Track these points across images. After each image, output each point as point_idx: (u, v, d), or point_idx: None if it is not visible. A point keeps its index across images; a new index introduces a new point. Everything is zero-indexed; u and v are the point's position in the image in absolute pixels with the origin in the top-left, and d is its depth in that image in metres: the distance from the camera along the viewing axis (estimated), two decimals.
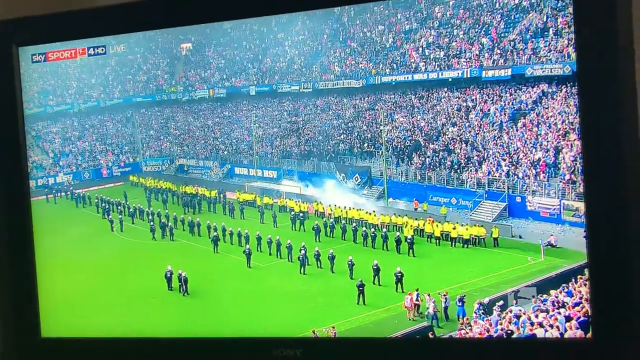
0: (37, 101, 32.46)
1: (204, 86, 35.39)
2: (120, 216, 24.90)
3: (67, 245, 20.16)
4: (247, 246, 19.74)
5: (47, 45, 13.53)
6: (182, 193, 28.04)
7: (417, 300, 14.65)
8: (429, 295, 14.52)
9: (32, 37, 8.77)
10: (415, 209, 23.00)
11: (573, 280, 13.45)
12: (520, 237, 19.65)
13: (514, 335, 11.09)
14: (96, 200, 27.37)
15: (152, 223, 23.57)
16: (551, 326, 10.63)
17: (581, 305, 10.98)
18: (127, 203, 26.92)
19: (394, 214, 21.98)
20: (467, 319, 13.36)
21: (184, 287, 17.06)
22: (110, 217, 24.89)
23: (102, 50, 20.05)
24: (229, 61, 35.60)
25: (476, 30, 27.00)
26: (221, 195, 26.98)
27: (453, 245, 19.48)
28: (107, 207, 26.57)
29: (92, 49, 19.14)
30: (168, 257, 20.07)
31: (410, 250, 19.02)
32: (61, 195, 28.95)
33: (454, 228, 19.79)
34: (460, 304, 14.13)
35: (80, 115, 34.99)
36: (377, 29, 31.12)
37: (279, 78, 33.02)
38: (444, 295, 14.51)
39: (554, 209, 19.98)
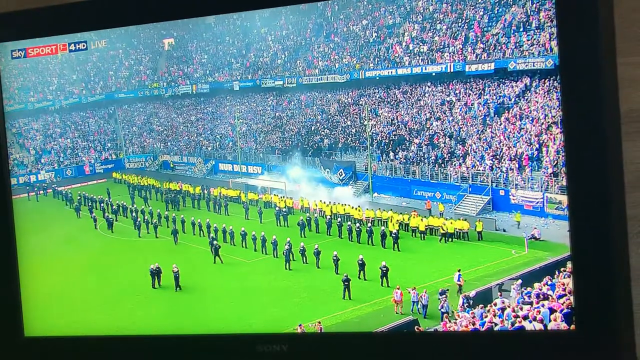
0: (18, 98, 32.04)
1: (187, 82, 35.15)
2: (107, 214, 24.66)
3: (50, 243, 19.94)
4: (215, 242, 19.67)
5: (26, 41, 13.34)
6: (166, 189, 27.87)
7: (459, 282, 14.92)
8: (414, 289, 14.67)
9: (12, 32, 8.65)
10: (429, 210, 22.41)
11: (557, 272, 13.57)
12: (504, 230, 19.78)
13: (498, 328, 11.16)
14: (78, 198, 27.09)
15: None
16: (535, 318, 10.71)
17: (565, 297, 11.08)
18: (110, 200, 26.69)
19: (379, 208, 22.01)
20: (453, 312, 13.46)
21: (176, 282, 17.14)
22: (93, 214, 24.68)
23: (83, 46, 19.83)
24: (212, 56, 35.39)
25: (459, 24, 27.09)
26: (205, 192, 26.87)
27: (442, 241, 19.50)
28: (90, 204, 26.35)
29: (72, 45, 18.92)
30: (153, 254, 19.98)
31: (395, 245, 19.07)
32: (42, 192, 28.63)
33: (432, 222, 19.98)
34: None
35: (62, 111, 34.58)
36: (361, 24, 31.10)
37: (263, 73, 32.89)
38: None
39: (538, 202, 20.14)
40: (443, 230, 19.50)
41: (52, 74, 34.65)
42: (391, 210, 21.47)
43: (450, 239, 19.38)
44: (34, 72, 33.62)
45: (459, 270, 15.38)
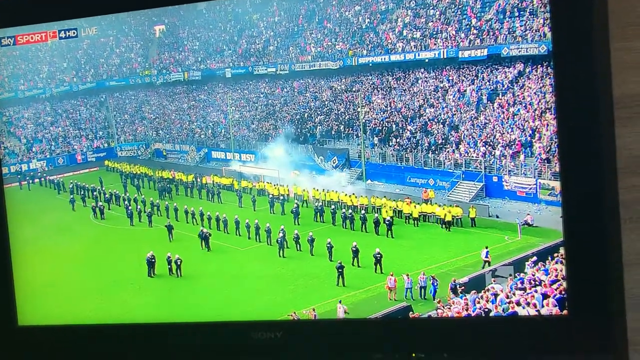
0: (8, 86, 31.73)
1: (179, 69, 34.91)
2: (100, 203, 24.57)
3: (42, 232, 19.84)
4: (205, 231, 19.64)
5: (16, 28, 13.19)
6: (158, 178, 27.78)
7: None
8: (407, 275, 14.72)
9: (0, 20, 8.54)
10: (426, 200, 21.96)
11: (549, 258, 13.62)
12: (497, 216, 19.84)
13: (492, 314, 11.22)
14: (70, 187, 26.95)
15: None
16: (528, 304, 10.77)
17: (558, 282, 11.13)
18: (103, 189, 26.59)
19: (373, 195, 22.02)
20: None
21: (179, 270, 17.18)
22: (91, 204, 24.60)
23: (74, 33, 19.67)
24: (204, 43, 35.13)
25: (452, 10, 26.97)
26: (198, 180, 26.81)
27: (447, 229, 19.54)
28: (82, 193, 26.24)
29: (63, 32, 18.76)
30: (147, 243, 19.94)
31: (389, 232, 19.11)
32: (35, 181, 28.49)
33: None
34: (433, 283, 14.35)
35: (53, 100, 34.35)
36: (354, 9, 30.93)
37: (255, 60, 32.70)
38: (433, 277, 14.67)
39: (530, 188, 20.19)
40: (448, 218, 19.50)
41: (43, 62, 34.35)
42: (385, 197, 21.48)
43: (443, 226, 19.42)
44: (23, 60, 33.29)
45: (486, 247, 15.59)
